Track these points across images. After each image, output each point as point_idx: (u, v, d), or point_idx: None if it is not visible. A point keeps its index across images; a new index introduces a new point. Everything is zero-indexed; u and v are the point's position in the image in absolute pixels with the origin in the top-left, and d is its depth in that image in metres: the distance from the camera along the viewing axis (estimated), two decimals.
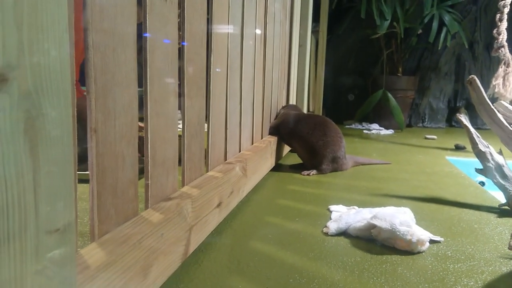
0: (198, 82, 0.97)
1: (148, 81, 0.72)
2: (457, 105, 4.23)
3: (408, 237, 0.95)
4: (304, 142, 1.82)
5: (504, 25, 2.52)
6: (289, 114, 1.94)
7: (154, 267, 0.66)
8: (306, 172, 1.78)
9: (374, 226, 1.00)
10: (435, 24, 3.53)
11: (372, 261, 0.91)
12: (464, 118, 1.45)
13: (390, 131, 3.68)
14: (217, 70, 1.11)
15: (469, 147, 2.78)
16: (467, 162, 2.37)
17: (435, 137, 3.31)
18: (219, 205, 1.02)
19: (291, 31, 2.45)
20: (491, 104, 1.44)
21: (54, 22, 0.32)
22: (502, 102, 1.47)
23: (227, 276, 0.82)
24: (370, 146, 2.84)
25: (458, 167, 2.16)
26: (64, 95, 0.33)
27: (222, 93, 1.17)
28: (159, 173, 0.78)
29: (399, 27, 3.62)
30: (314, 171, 1.79)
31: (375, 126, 3.91)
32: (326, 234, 1.06)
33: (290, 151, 2.24)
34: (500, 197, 1.51)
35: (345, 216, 1.10)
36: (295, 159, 2.05)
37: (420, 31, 3.78)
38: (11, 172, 0.29)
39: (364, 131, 3.74)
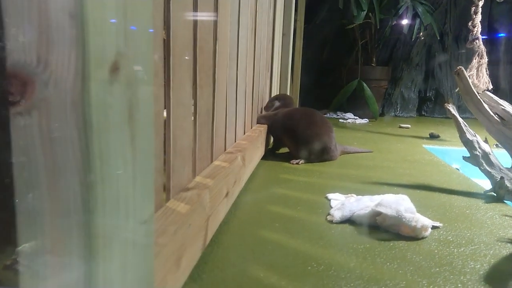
0: (207, 71, 0.95)
1: (171, 69, 0.70)
2: (427, 95, 4.37)
3: (413, 223, 0.98)
4: (292, 134, 1.83)
5: (478, 17, 2.61)
6: (279, 110, 1.95)
7: (184, 258, 0.65)
8: (295, 161, 1.80)
9: (379, 213, 1.03)
10: (409, 16, 3.61)
11: (381, 248, 0.94)
12: (452, 108, 1.50)
13: (365, 120, 3.76)
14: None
15: (443, 135, 2.90)
16: (444, 150, 2.46)
17: (409, 126, 3.41)
18: (226, 194, 1.01)
19: (274, 19, 2.45)
20: (477, 95, 1.50)
21: (144, 13, 0.31)
22: (487, 92, 1.52)
23: (245, 265, 0.83)
24: (349, 135, 2.89)
25: (437, 155, 2.24)
26: (150, 84, 0.32)
27: (224, 81, 1.16)
28: (179, 163, 0.77)
29: (374, 17, 3.68)
30: (303, 160, 1.80)
31: (349, 115, 3.98)
32: (331, 222, 1.08)
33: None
34: (483, 184, 1.58)
35: (348, 204, 1.12)
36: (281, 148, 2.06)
37: (394, 22, 3.86)
38: (119, 164, 0.28)
39: (340, 120, 3.80)
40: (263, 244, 0.94)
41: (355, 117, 3.88)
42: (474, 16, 2.63)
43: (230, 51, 1.22)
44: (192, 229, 0.70)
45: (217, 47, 1.05)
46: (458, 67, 1.53)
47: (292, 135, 1.83)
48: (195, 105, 0.89)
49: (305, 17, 3.57)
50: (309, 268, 0.82)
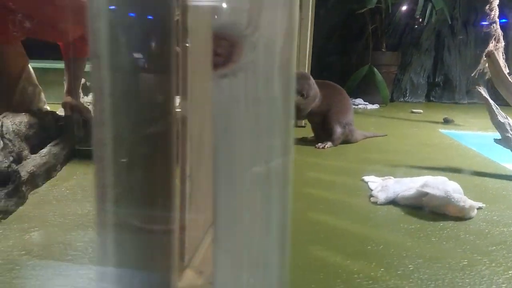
0: None
1: None
2: (436, 80, 4.36)
3: (461, 204, 0.99)
4: (323, 111, 1.83)
5: (496, 1, 2.60)
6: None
7: None
8: (321, 145, 1.78)
9: (425, 194, 1.03)
10: (421, 0, 3.58)
11: (432, 228, 0.94)
12: (483, 91, 1.49)
13: (375, 106, 3.75)
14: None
15: (457, 120, 2.89)
16: (462, 135, 2.46)
17: (421, 111, 3.40)
18: None
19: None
20: (508, 77, 1.49)
21: None
22: None
23: (305, 246, 0.83)
24: (363, 120, 2.88)
25: (456, 139, 2.24)
26: None
27: None
28: None
29: (385, 2, 3.65)
30: (329, 144, 1.79)
31: (359, 101, 3.96)
32: (376, 203, 1.08)
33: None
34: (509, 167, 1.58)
35: (391, 185, 1.13)
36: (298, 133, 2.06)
37: (405, 7, 3.83)
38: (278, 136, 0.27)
39: None
40: (314, 225, 0.94)
41: (366, 103, 3.86)
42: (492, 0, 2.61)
43: None
44: None
45: None
46: (489, 50, 1.52)
47: (323, 112, 1.83)
48: None
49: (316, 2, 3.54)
50: (368, 247, 0.82)
